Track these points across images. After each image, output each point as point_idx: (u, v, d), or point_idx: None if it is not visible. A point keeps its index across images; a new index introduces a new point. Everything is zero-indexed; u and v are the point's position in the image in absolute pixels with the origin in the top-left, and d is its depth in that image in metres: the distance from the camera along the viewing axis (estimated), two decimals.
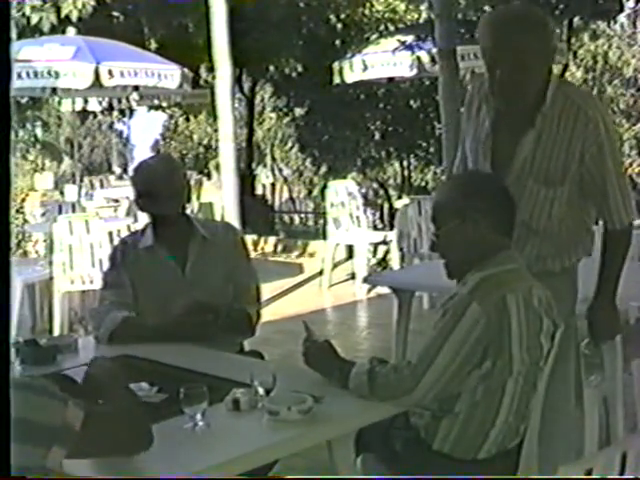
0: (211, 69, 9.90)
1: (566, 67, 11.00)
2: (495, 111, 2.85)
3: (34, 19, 9.85)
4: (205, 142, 21.34)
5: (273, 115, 16.86)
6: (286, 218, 15.46)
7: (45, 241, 7.94)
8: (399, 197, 12.22)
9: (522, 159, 2.79)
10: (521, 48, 2.64)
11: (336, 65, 9.68)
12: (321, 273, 8.46)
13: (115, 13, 11.08)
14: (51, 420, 1.68)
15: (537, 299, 2.45)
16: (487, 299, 2.38)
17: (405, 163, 12.88)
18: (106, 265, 3.48)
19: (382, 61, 9.17)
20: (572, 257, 2.95)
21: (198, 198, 11.48)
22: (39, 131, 19.24)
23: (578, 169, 2.78)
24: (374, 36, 11.43)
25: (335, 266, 8.48)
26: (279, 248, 10.59)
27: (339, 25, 12.47)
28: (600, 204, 2.85)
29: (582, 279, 2.99)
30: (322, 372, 2.52)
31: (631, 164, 13.74)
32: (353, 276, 8.30)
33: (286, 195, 17.24)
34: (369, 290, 7.49)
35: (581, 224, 2.94)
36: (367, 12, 12.88)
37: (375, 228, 10.03)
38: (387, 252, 8.60)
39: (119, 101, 12.88)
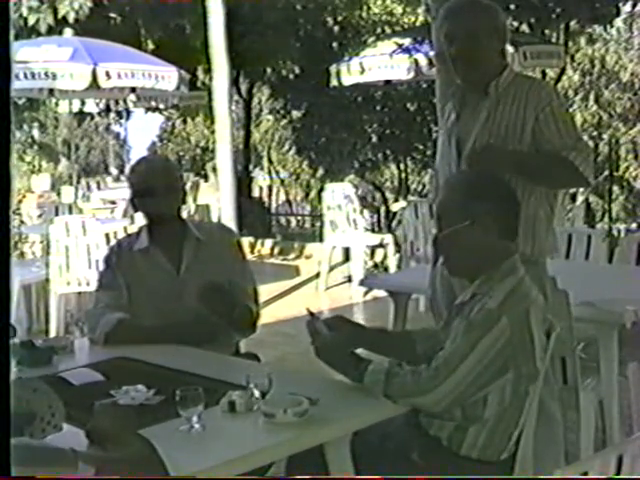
0: (208, 71, 9.90)
1: (563, 71, 11.01)
2: (459, 102, 3.15)
3: (31, 20, 9.83)
4: (202, 144, 21.34)
5: (270, 117, 16.85)
6: (283, 220, 15.45)
7: (41, 242, 7.93)
8: (396, 200, 12.22)
9: (480, 125, 3.02)
10: (473, 26, 3.04)
11: (333, 67, 9.67)
12: (317, 276, 8.45)
13: (112, 14, 11.05)
14: None
15: (541, 304, 2.48)
16: (513, 313, 2.39)
17: (402, 166, 12.86)
18: (101, 267, 3.48)
19: (379, 64, 9.15)
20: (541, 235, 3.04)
21: (195, 200, 11.45)
22: (36, 132, 19.24)
23: (533, 128, 2.99)
24: (371, 39, 11.41)
25: (332, 269, 8.48)
26: (276, 250, 10.60)
27: (336, 28, 12.47)
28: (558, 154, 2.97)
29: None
30: (336, 368, 2.51)
31: (628, 168, 13.74)
32: (349, 279, 8.30)
33: (283, 197, 17.23)
34: (365, 293, 7.49)
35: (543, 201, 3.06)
36: (364, 15, 12.88)
37: (372, 231, 10.03)
38: (385, 255, 8.60)
39: (116, 103, 12.87)
